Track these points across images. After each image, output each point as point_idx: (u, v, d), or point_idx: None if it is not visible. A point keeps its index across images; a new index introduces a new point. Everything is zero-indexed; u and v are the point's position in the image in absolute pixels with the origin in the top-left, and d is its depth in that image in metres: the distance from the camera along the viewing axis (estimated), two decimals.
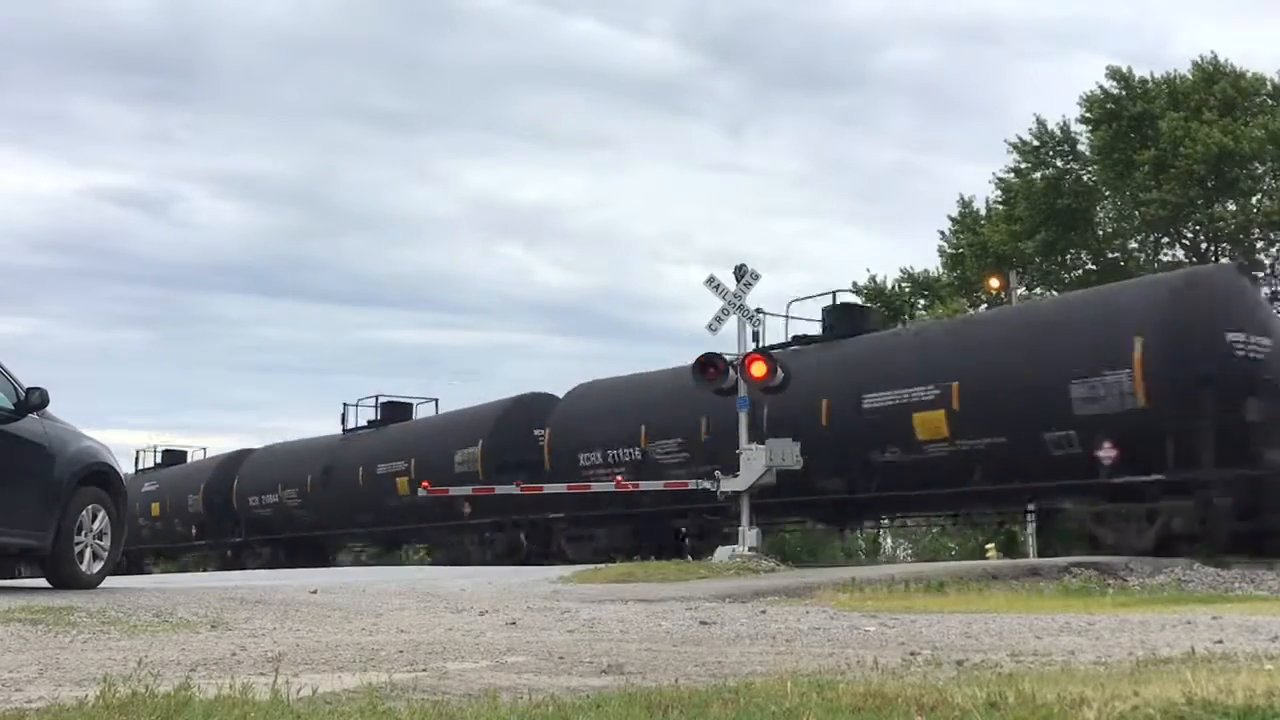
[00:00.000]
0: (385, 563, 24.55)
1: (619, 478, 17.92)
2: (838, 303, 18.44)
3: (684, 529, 19.72)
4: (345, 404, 28.10)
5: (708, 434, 17.93)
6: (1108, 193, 33.63)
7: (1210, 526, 13.86)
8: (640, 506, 19.03)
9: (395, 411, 27.21)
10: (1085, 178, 33.99)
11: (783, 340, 18.65)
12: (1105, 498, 14.36)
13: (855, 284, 38.58)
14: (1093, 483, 14.21)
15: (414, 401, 27.60)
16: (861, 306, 19.19)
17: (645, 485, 17.64)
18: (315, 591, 8.96)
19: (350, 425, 27.81)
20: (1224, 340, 13.77)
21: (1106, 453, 13.51)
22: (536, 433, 21.96)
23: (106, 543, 9.33)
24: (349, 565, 25.98)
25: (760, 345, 16.16)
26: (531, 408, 22.90)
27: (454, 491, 19.94)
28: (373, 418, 27.44)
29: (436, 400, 27.34)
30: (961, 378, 15.34)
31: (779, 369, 15.84)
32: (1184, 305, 14.24)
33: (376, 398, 27.53)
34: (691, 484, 16.69)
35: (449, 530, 23.89)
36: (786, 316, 18.76)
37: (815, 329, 18.85)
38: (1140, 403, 13.63)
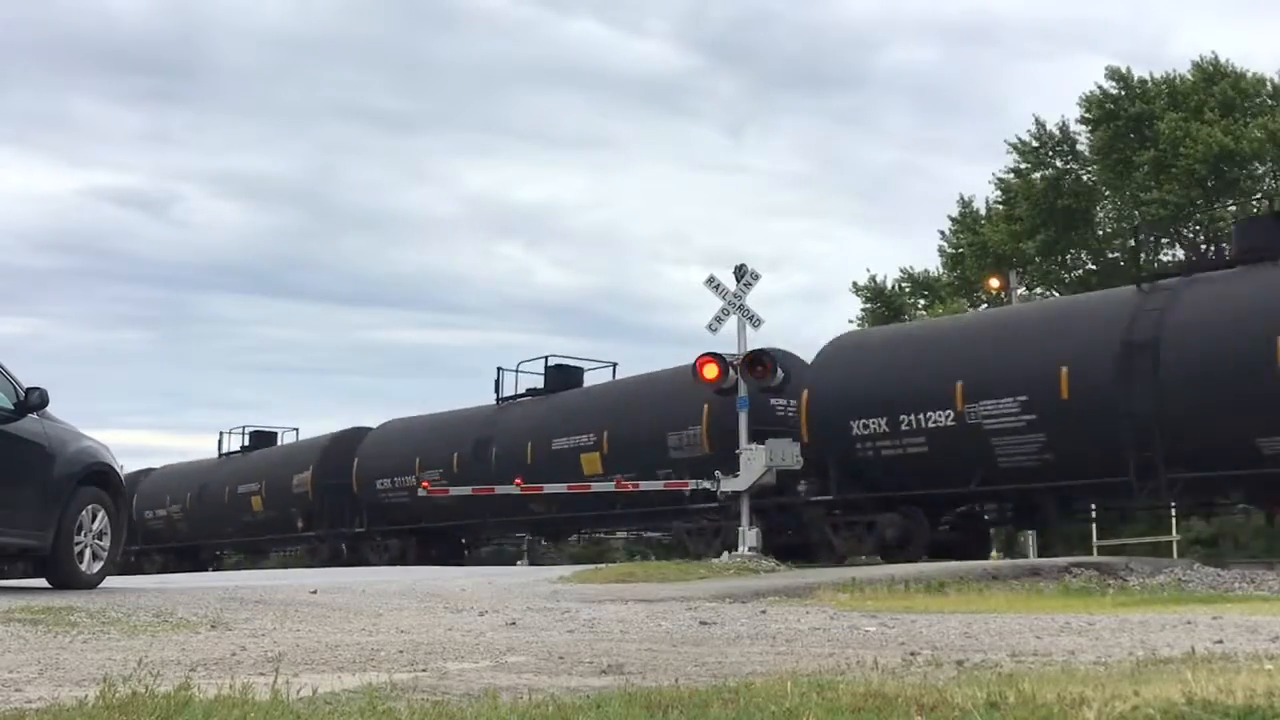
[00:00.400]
0: (259, 567, 28.51)
1: (619, 478, 18.15)
2: (552, 364, 23.35)
3: (464, 539, 25.29)
4: (221, 431, 32.52)
5: (458, 466, 22.89)
6: (1108, 193, 33.62)
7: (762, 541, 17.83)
8: (425, 522, 24.18)
9: (262, 439, 31.48)
10: (1085, 178, 33.98)
11: (515, 392, 23.53)
12: (691, 519, 18.90)
13: (855, 284, 38.66)
14: (684, 508, 18.53)
15: (279, 430, 31.73)
16: (570, 366, 23.55)
17: (645, 485, 17.75)
18: (315, 592, 8.96)
19: (225, 450, 31.91)
20: (769, 404, 18.18)
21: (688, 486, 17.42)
22: (354, 463, 26.12)
23: (106, 543, 9.33)
24: (230, 569, 29.51)
25: (757, 350, 16.21)
26: (352, 440, 27.14)
27: (454, 491, 20.16)
28: (244, 444, 31.56)
29: (297, 429, 31.24)
30: (610, 428, 20.18)
31: (779, 369, 15.88)
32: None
33: (244, 428, 31.91)
34: (692, 484, 16.76)
35: (287, 541, 28.64)
36: (517, 371, 23.68)
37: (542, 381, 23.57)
38: (706, 450, 18.31)
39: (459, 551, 24.54)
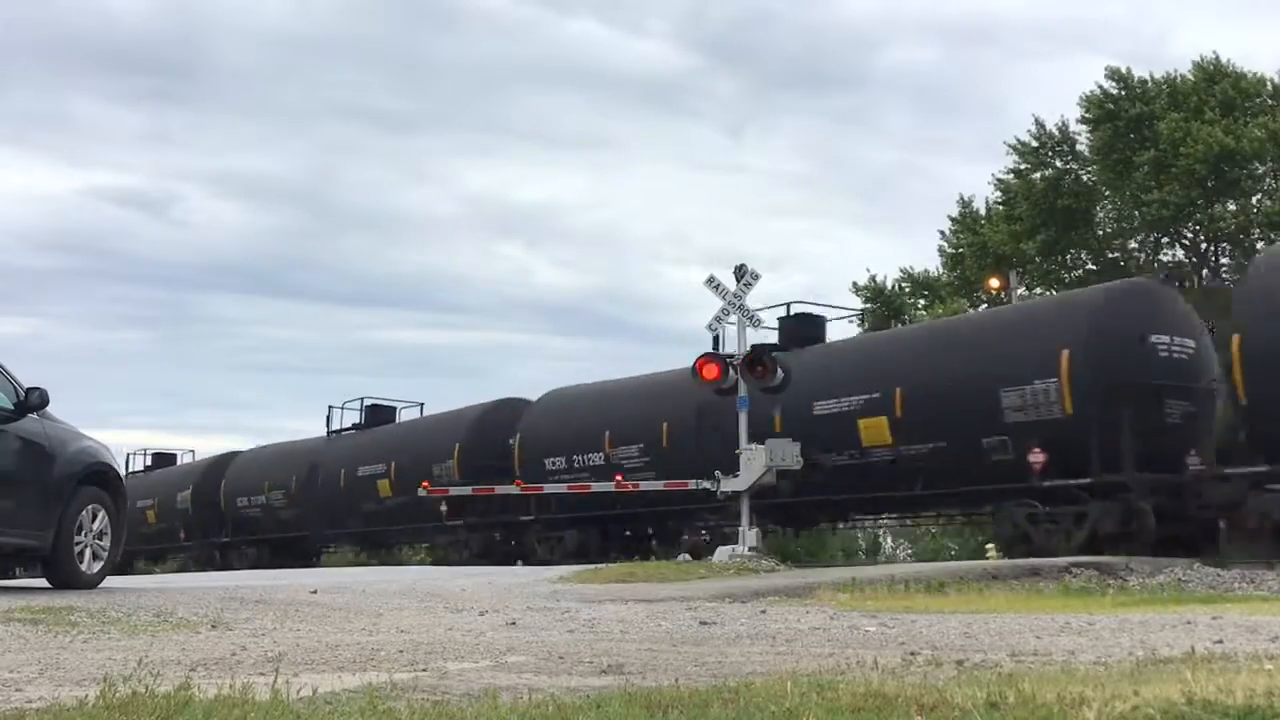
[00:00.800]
0: (151, 572, 31.27)
1: (617, 476, 18.29)
2: (369, 404, 28.14)
3: (305, 547, 28.87)
4: (128, 453, 36.94)
5: (297, 487, 28.01)
6: (1108, 193, 33.59)
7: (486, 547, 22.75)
8: (273, 533, 28.95)
9: (162, 460, 36.28)
10: (1085, 178, 33.95)
11: (341, 426, 28.43)
12: (449, 533, 23.92)
13: (855, 284, 38.67)
14: (435, 524, 23.59)
15: (178, 452, 36.93)
16: (384, 406, 28.09)
17: (645, 485, 17.86)
18: (315, 592, 8.96)
19: (131, 469, 35.20)
20: (506, 443, 22.71)
21: (438, 504, 22.04)
22: (221, 483, 30.95)
23: (106, 543, 9.32)
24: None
25: (758, 347, 16.20)
26: (224, 463, 31.96)
27: (454, 491, 20.44)
28: (146, 464, 36.20)
29: (194, 451, 36.11)
30: (396, 459, 25.17)
31: (778, 369, 15.88)
32: (484, 424, 23.80)
33: (145, 450, 37.03)
34: (692, 484, 16.78)
35: (172, 549, 32.90)
36: (343, 408, 28.53)
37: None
38: (458, 477, 22.44)
39: (304, 557, 28.09)
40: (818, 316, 19.85)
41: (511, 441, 22.55)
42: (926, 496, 16.95)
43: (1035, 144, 34.12)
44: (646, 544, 21.59)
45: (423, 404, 27.81)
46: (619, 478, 18.14)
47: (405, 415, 27.91)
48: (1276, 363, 13.16)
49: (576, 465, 21.04)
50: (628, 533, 21.75)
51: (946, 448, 14.75)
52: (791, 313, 19.61)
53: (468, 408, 24.93)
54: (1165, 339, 15.28)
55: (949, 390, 15.84)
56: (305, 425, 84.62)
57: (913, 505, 18.06)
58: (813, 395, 17.48)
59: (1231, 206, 31.19)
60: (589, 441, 20.80)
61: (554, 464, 21.48)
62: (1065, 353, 14.82)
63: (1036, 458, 14.72)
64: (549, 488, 19.35)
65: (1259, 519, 13.58)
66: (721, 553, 15.12)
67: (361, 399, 28.31)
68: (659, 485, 17.71)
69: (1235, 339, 13.86)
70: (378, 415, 27.91)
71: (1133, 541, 14.24)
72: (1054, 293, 31.89)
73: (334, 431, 28.59)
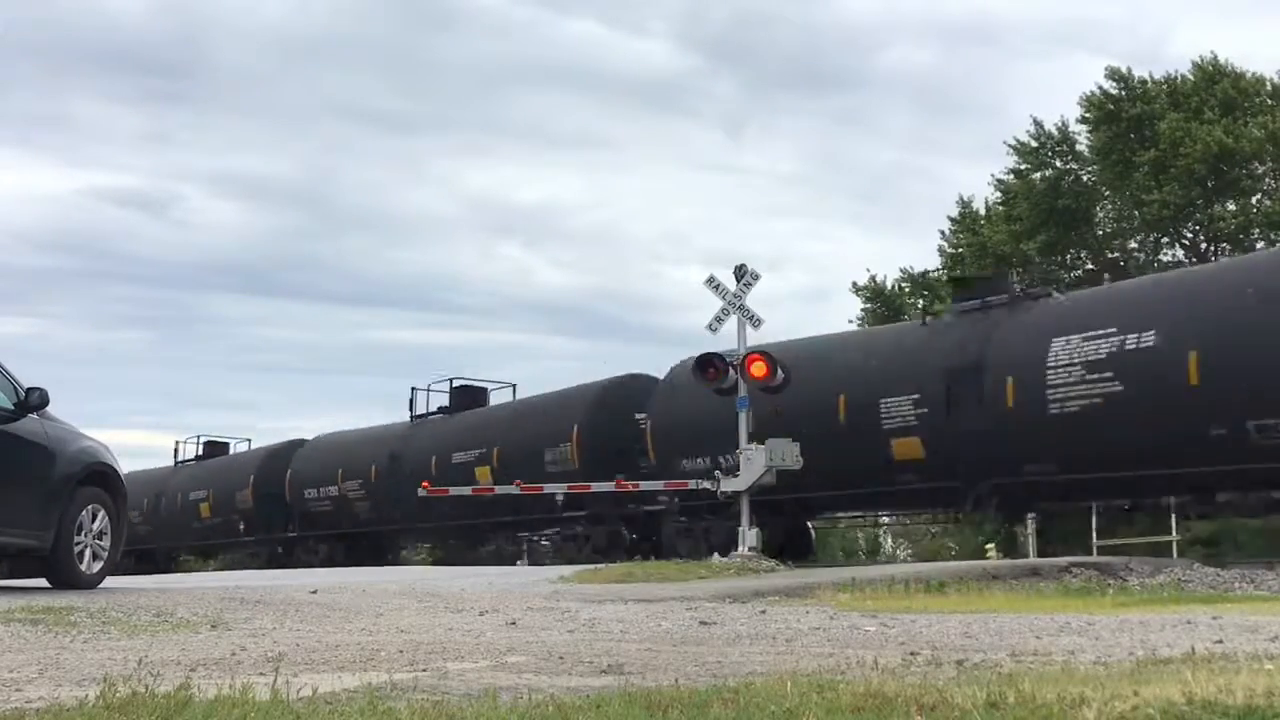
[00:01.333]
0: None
1: (619, 478, 18.29)
2: (205, 440, 34.76)
3: (159, 558, 33.27)
4: None
5: (149, 507, 33.22)
6: (1108, 193, 33.56)
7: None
8: (133, 545, 31.93)
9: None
10: (1085, 178, 33.92)
11: (183, 459, 34.17)
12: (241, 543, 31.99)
13: (855, 284, 38.63)
14: (235, 539, 31.45)
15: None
16: (219, 441, 34.13)
17: (645, 485, 17.88)
18: (315, 591, 8.96)
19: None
20: (285, 472, 29.61)
21: (239, 523, 30.35)
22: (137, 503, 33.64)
23: (106, 543, 9.32)
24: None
25: (757, 347, 16.20)
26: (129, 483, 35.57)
27: (453, 491, 20.48)
28: None
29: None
30: (212, 487, 32.22)
31: (779, 369, 15.86)
32: (272, 459, 30.74)
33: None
34: (692, 484, 16.78)
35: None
36: (186, 443, 34.86)
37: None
38: (250, 502, 30.43)
39: (158, 565, 31.67)
40: (479, 388, 26.75)
41: (287, 473, 29.33)
42: (520, 521, 23.24)
43: (1035, 144, 34.08)
44: (379, 555, 27.10)
45: (250, 439, 33.89)
46: (619, 479, 18.22)
47: (239, 448, 33.74)
48: (664, 442, 20.64)
49: (322, 494, 28.20)
50: (382, 546, 28.24)
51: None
52: (456, 385, 26.51)
53: (261, 448, 31.86)
54: (644, 415, 21.56)
55: (521, 448, 22.92)
56: (304, 425, 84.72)
57: (511, 527, 24.15)
58: (454, 448, 24.70)
59: (1231, 206, 31.16)
60: (329, 477, 28.12)
61: (310, 494, 28.70)
62: (576, 427, 21.90)
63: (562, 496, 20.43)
64: (549, 488, 19.60)
65: (673, 539, 19.64)
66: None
67: (199, 436, 34.56)
68: (658, 485, 17.74)
69: (650, 421, 21.18)
70: (213, 450, 33.83)
71: (623, 551, 19.91)
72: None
73: (180, 462, 34.56)
